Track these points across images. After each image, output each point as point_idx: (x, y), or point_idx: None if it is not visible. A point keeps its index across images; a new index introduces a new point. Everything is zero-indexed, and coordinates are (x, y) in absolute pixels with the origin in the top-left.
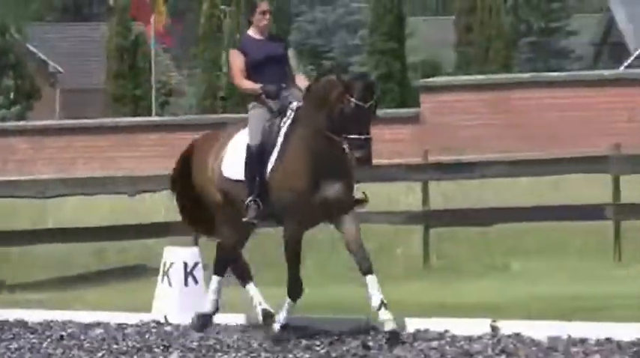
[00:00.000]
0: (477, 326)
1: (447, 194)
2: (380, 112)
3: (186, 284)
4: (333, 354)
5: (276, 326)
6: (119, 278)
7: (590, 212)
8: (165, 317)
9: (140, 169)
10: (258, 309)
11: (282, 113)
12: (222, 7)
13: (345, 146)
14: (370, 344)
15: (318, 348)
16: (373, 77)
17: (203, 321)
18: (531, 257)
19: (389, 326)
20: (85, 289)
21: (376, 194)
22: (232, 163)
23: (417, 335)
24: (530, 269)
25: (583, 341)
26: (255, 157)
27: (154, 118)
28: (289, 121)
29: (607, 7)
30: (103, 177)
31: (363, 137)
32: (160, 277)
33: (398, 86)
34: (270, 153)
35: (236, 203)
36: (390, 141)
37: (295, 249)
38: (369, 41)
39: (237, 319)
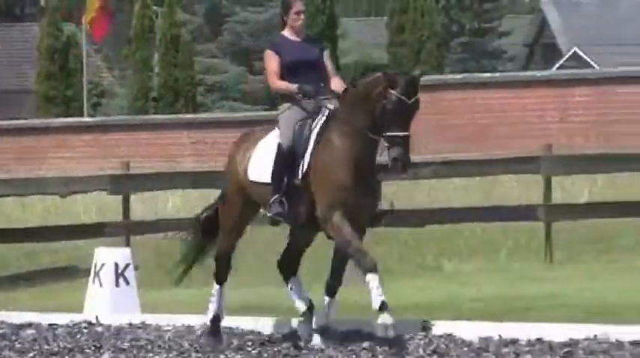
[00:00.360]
0: (408, 327)
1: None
2: None
3: (117, 284)
4: (265, 355)
5: (379, 299)
6: (51, 278)
7: (521, 213)
8: (97, 318)
9: (72, 170)
10: (210, 313)
11: (314, 114)
12: (154, 7)
13: (385, 144)
14: (301, 344)
15: (249, 349)
16: (418, 73)
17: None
18: (463, 257)
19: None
20: (16, 290)
21: None
22: (258, 166)
23: (349, 336)
24: (463, 270)
25: (514, 341)
26: (286, 157)
27: (86, 119)
28: (322, 122)
29: (539, 8)
30: (34, 178)
31: (401, 134)
32: (91, 278)
33: None
34: (302, 154)
35: (253, 206)
36: None
37: (347, 239)
38: None
39: (169, 319)
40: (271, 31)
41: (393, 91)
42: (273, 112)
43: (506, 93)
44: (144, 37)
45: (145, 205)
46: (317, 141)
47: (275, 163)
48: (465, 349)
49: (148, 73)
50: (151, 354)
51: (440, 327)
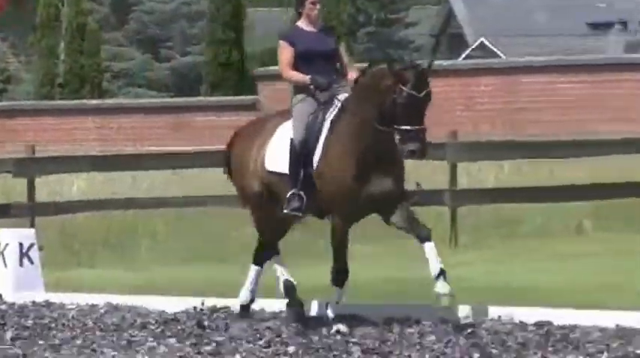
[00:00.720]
0: (313, 308)
1: None
2: (217, 100)
3: (21, 264)
4: (168, 333)
5: (330, 315)
6: None
7: (427, 197)
8: (1, 296)
9: None
10: (280, 280)
11: (327, 104)
12: None
13: (397, 138)
14: (206, 323)
15: (153, 327)
16: (426, 65)
17: (243, 311)
18: (370, 241)
19: (444, 303)
20: None
21: (213, 179)
22: (276, 156)
23: (254, 315)
24: (369, 253)
25: (418, 322)
26: (299, 152)
27: None
28: (334, 113)
29: None
30: None
31: (415, 129)
32: None
33: (236, 75)
34: (315, 146)
35: (277, 197)
36: (228, 129)
37: (342, 241)
38: (207, 31)
39: (72, 298)
40: (177, 20)
41: (403, 87)
42: (179, 99)
43: None
44: (50, 25)
45: (49, 188)
46: (329, 134)
47: (290, 157)
48: (370, 329)
49: (53, 60)
50: (54, 332)
51: (345, 308)
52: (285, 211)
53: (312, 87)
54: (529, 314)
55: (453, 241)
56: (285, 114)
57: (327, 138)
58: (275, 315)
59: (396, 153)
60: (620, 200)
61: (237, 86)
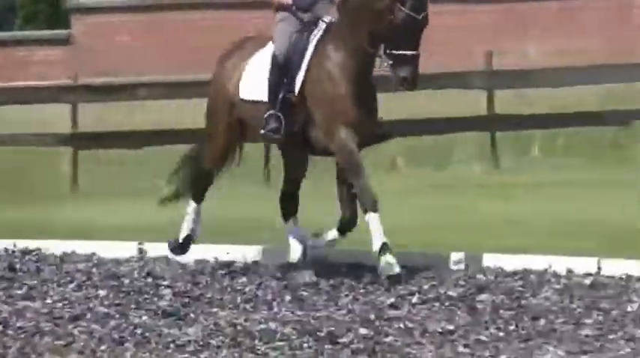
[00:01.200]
0: (124, 249)
1: (100, 116)
2: (30, 34)
3: None
4: None
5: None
6: None
7: None
8: None
9: None
10: (182, 232)
11: (311, 26)
12: None
13: (389, 63)
14: (17, 266)
15: None
16: None
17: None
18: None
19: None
20: None
21: (25, 116)
22: (251, 83)
23: (64, 258)
24: (252, 194)
25: (229, 264)
26: (281, 68)
27: None
28: (320, 33)
29: None
30: None
31: (410, 54)
32: None
33: (49, 7)
34: (298, 68)
35: (246, 125)
36: (40, 63)
37: (353, 158)
38: None
39: None
40: None
41: (402, 8)
42: None
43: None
44: None
45: None
46: (314, 55)
47: (270, 76)
48: (180, 271)
49: None
50: None
51: (155, 249)
52: (262, 132)
53: (293, 7)
54: (341, 256)
55: (265, 177)
56: (263, 41)
57: (311, 60)
58: (87, 258)
59: (374, 87)
60: (431, 136)
61: (51, 19)
